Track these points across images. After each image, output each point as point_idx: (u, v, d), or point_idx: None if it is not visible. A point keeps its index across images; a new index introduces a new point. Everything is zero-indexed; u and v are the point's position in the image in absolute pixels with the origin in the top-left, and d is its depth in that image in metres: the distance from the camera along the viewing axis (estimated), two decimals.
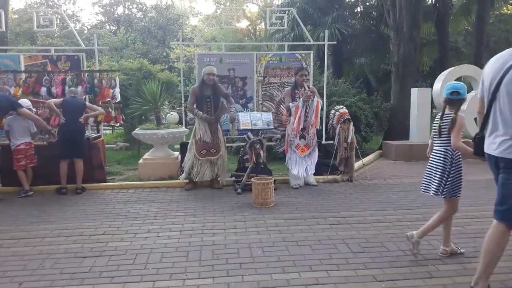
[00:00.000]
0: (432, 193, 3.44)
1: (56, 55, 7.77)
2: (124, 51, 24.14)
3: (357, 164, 7.09)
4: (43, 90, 7.04)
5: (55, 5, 33.11)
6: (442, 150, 3.38)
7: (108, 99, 7.20)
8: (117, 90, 7.25)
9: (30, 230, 4.35)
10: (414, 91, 8.75)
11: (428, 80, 15.94)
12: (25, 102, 6.13)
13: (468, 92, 9.49)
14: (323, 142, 7.51)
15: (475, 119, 8.70)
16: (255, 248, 3.75)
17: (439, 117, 3.40)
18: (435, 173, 3.42)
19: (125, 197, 5.79)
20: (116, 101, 7.29)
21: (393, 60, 10.36)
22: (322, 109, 6.91)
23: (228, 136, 6.96)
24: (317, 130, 6.40)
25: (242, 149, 6.51)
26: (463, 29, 17.09)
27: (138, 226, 4.42)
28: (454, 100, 3.31)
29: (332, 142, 6.92)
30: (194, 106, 6.06)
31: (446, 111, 3.35)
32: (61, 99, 6.19)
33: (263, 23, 23.06)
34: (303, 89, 6.11)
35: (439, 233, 4.02)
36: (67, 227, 4.41)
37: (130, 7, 35.33)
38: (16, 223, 4.59)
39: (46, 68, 7.56)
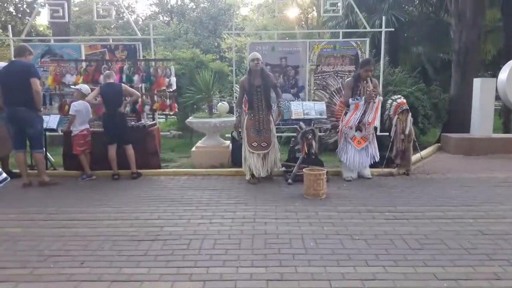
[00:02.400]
0: None
1: (114, 44, 8.06)
2: (177, 42, 24.64)
3: (414, 157, 6.77)
4: (102, 78, 7.29)
5: None
6: None
7: (164, 88, 7.35)
8: (173, 78, 7.39)
9: (91, 212, 4.55)
10: (477, 81, 8.22)
11: (489, 71, 14.94)
12: (85, 88, 6.36)
13: None
14: (378, 133, 7.24)
15: None
16: (308, 239, 3.68)
17: None
18: None
19: (178, 183, 5.92)
20: (172, 90, 7.43)
21: (454, 48, 9.76)
22: None
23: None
24: None
25: (293, 139, 6.42)
26: None
27: (191, 212, 4.49)
28: None
29: (387, 133, 6.65)
30: (243, 100, 5.90)
31: None
32: (98, 88, 6.22)
33: (314, 11, 22.65)
34: (365, 82, 5.93)
35: (506, 233, 3.78)
36: (124, 211, 4.57)
37: None
38: (77, 206, 4.82)
39: (104, 57, 7.87)
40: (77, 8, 27.93)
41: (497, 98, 8.81)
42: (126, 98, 6.28)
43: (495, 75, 8.67)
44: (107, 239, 3.72)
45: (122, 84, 6.44)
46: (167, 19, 33.75)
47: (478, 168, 6.72)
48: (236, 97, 6.77)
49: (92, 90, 6.38)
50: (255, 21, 22.78)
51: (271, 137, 5.94)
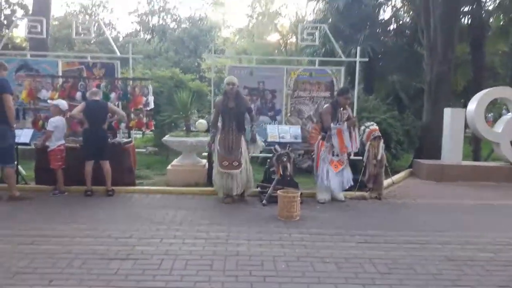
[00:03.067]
0: None
1: (92, 62, 8.02)
2: (157, 60, 24.69)
3: (386, 182, 6.95)
4: (78, 94, 7.23)
5: (93, 14, 34.32)
6: None
7: (140, 106, 7.33)
8: (151, 97, 7.38)
9: (61, 229, 4.46)
10: (447, 111, 8.55)
11: (461, 99, 15.55)
12: (63, 105, 6.31)
13: (503, 114, 9.28)
14: (352, 157, 7.39)
15: (511, 142, 8.46)
16: (280, 261, 3.71)
17: None
18: None
19: (152, 201, 5.88)
20: (149, 109, 7.42)
21: (426, 80, 10.17)
22: None
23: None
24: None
25: (268, 160, 6.49)
26: (501, 50, 16.63)
27: (164, 232, 4.46)
28: None
29: (360, 157, 6.82)
30: (219, 122, 6.00)
31: None
32: (83, 103, 6.22)
33: (294, 37, 23.18)
34: (342, 109, 6.14)
35: (471, 259, 3.90)
36: (96, 228, 4.50)
37: (165, 17, 36.24)
38: (48, 222, 4.72)
39: (82, 74, 7.80)
40: (56, 22, 27.71)
41: (467, 126, 9.17)
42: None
43: (466, 103, 9.01)
44: (77, 257, 3.66)
45: (108, 103, 6.53)
46: (148, 37, 33.85)
47: (447, 194, 6.94)
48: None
49: (70, 106, 6.36)
50: (235, 44, 23.13)
51: (242, 157, 5.95)
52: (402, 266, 3.70)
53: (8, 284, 3.12)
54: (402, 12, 15.79)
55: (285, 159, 5.95)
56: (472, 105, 8.63)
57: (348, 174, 6.25)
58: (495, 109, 13.35)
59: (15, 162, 5.98)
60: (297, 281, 3.32)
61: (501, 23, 14.42)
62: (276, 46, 23.57)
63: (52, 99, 6.94)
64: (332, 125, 6.03)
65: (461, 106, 11.18)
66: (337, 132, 6.00)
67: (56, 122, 6.07)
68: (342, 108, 6.16)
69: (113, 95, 7.22)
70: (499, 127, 8.67)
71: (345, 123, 6.04)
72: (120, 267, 3.47)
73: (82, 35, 8.53)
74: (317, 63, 8.38)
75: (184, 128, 7.62)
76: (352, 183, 6.30)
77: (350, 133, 6.10)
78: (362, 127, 6.72)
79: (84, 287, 3.10)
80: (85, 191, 6.07)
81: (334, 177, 6.08)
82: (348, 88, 6.69)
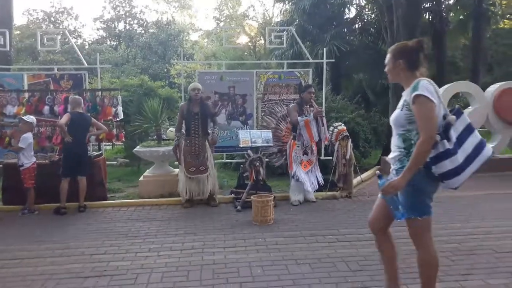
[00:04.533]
0: None
1: (59, 74, 7.87)
2: (125, 67, 24.36)
3: (355, 180, 7.15)
4: (46, 108, 7.14)
5: (57, 21, 33.54)
6: None
7: (110, 117, 7.27)
8: (120, 108, 7.33)
9: (32, 249, 4.39)
10: None
11: None
12: (32, 118, 6.12)
13: (465, 108, 9.64)
14: (322, 158, 7.57)
15: None
16: (255, 267, 3.78)
17: None
18: None
19: (125, 215, 5.83)
20: (118, 120, 7.36)
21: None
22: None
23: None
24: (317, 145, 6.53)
25: (242, 165, 6.58)
26: (461, 44, 17.29)
27: (138, 245, 4.46)
28: None
29: (330, 158, 6.99)
30: (183, 125, 6.15)
31: None
32: (68, 114, 5.98)
33: (262, 40, 23.34)
34: (308, 106, 6.26)
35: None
36: (69, 247, 4.45)
37: (131, 22, 35.79)
38: (18, 243, 4.62)
39: (49, 86, 7.65)
40: (18, 32, 26.95)
41: None
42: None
43: None
44: (50, 278, 3.62)
45: (92, 119, 6.39)
46: (115, 43, 33.33)
47: None
48: None
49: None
50: (205, 48, 23.10)
51: (208, 161, 6.19)
52: (373, 262, 3.82)
53: None
54: (367, 10, 16.19)
55: (257, 163, 6.04)
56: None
57: (318, 174, 6.40)
58: (457, 103, 13.85)
59: None
60: (273, 285, 3.40)
61: (460, 17, 14.99)
62: (245, 49, 23.68)
63: (18, 114, 6.80)
64: (299, 118, 6.13)
65: None
66: (305, 123, 6.11)
67: (30, 138, 5.88)
68: (308, 106, 6.29)
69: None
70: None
71: (311, 114, 6.14)
72: (95, 285, 3.46)
73: (48, 46, 8.35)
74: (285, 65, 8.52)
75: (155, 137, 7.57)
76: (322, 183, 6.46)
77: (318, 124, 6.20)
78: (331, 128, 6.87)
79: None
80: (59, 208, 5.87)
81: (304, 177, 6.21)
82: (310, 84, 6.89)
